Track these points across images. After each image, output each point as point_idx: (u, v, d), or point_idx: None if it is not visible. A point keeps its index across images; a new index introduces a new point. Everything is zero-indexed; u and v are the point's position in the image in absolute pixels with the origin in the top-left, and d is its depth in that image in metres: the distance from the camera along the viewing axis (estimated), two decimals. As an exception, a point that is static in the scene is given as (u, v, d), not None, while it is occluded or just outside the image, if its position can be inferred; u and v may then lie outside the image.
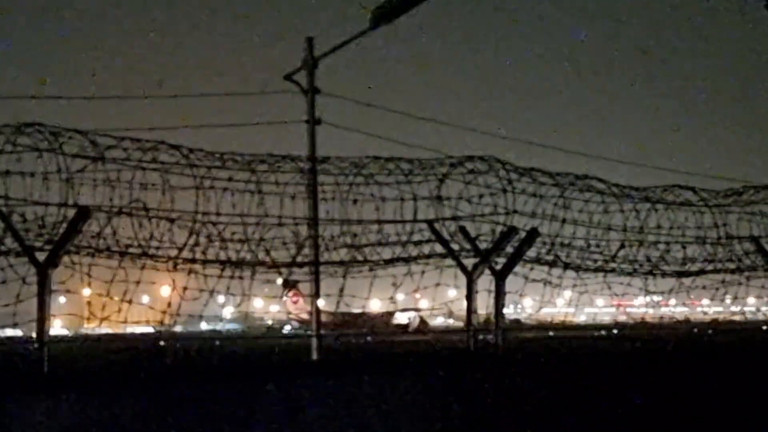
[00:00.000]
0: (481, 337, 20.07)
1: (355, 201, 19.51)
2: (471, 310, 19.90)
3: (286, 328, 54.34)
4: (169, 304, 18.65)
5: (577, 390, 17.39)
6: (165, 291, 19.98)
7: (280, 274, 19.46)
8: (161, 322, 19.27)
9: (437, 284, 20.24)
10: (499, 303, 20.08)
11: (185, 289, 18.62)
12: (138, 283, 17.92)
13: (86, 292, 18.62)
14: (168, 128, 20.89)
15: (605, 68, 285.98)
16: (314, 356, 20.54)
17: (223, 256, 18.67)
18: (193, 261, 18.45)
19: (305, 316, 61.19)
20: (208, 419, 14.12)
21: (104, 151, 17.64)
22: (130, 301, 17.98)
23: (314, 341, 20.87)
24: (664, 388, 17.68)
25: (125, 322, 18.43)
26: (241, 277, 18.83)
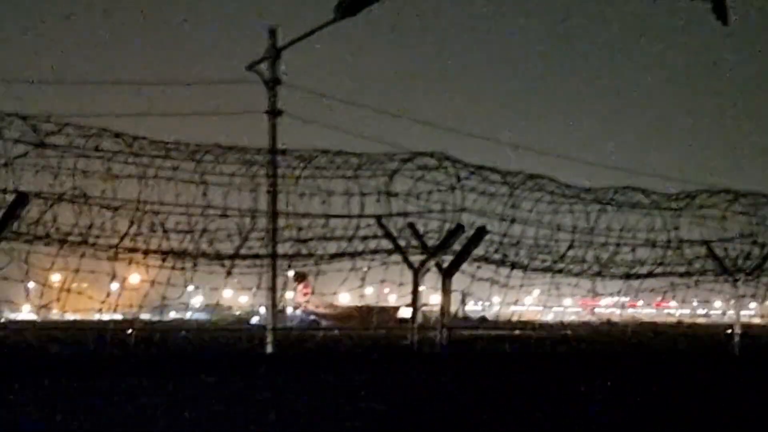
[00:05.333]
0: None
1: (301, 195, 19.41)
2: (416, 306, 19.87)
3: (254, 320, 54.30)
4: (107, 294, 18.61)
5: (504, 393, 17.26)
6: (135, 278, 20.02)
7: (223, 266, 19.27)
8: (114, 309, 19.29)
9: (382, 281, 20.16)
10: (445, 301, 20.03)
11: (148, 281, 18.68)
12: (77, 271, 17.82)
13: (56, 277, 18.67)
14: (128, 115, 20.87)
15: (561, 68, 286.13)
16: (269, 350, 20.38)
17: (165, 246, 18.54)
18: (134, 251, 18.30)
19: (322, 309, 61.45)
20: (137, 410, 13.97)
21: (45, 138, 17.45)
22: (68, 290, 17.92)
23: (269, 335, 20.70)
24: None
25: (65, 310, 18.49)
26: (183, 269, 18.71)
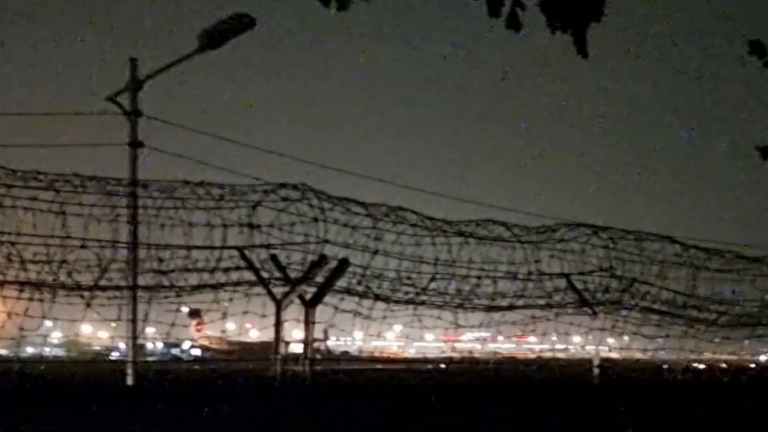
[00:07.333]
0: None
1: (162, 226, 19.19)
2: (279, 338, 19.78)
3: (114, 355, 53.59)
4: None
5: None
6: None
7: (82, 297, 18.96)
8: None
9: (245, 312, 20.01)
10: (308, 332, 20.01)
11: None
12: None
13: None
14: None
15: (417, 100, 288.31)
16: (129, 382, 20.11)
17: (22, 277, 18.18)
18: (-11, 281, 17.94)
19: (220, 345, 60.74)
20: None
21: None
22: None
23: (130, 367, 20.41)
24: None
25: None
26: (41, 300, 18.37)
